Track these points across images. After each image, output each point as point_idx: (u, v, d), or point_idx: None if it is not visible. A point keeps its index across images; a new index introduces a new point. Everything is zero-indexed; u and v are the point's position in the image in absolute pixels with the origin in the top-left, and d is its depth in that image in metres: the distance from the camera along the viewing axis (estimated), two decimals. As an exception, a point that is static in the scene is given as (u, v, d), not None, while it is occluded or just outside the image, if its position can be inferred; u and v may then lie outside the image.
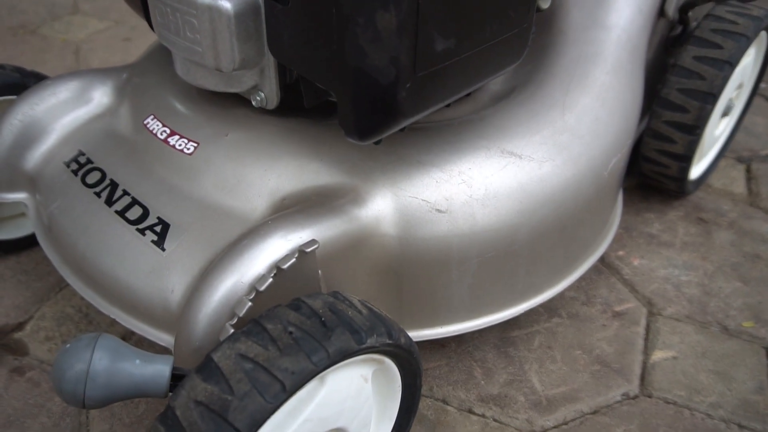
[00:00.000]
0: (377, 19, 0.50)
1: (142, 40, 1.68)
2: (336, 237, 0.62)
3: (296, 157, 0.69)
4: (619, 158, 0.81)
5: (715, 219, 1.14)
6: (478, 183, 0.68)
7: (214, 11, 0.62)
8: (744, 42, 0.97)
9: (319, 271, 0.61)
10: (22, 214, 0.97)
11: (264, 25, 0.63)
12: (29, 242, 0.97)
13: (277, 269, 0.56)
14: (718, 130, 1.16)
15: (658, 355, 0.87)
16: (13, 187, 0.82)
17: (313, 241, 0.59)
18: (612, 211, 0.93)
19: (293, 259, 0.57)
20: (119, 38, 1.70)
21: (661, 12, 0.97)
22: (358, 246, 0.65)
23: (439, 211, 0.67)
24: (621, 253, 1.04)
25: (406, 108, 0.56)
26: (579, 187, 0.75)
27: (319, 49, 0.57)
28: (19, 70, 0.90)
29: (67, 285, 0.84)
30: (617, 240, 1.05)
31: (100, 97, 0.85)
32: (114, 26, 1.76)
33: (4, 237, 0.95)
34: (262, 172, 0.68)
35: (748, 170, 1.29)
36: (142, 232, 0.68)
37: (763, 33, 1.07)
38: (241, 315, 0.55)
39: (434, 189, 0.67)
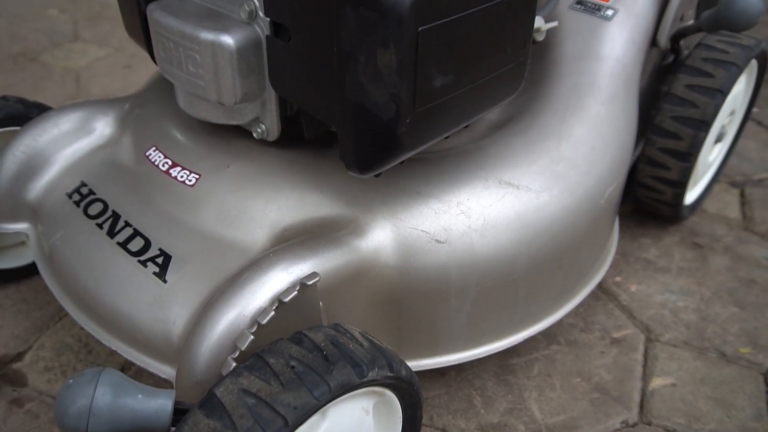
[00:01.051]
0: (377, 57, 0.51)
1: (142, 66, 1.70)
2: (337, 268, 0.63)
3: (297, 189, 0.69)
4: (615, 187, 0.82)
5: (711, 244, 1.15)
6: (477, 213, 0.69)
7: (217, 47, 0.63)
8: (735, 70, 0.99)
9: (321, 303, 0.61)
10: (23, 243, 0.97)
11: (265, 60, 0.65)
12: (29, 271, 0.98)
13: (279, 302, 0.57)
14: (711, 156, 1.17)
15: (656, 382, 0.87)
16: (15, 218, 0.82)
17: (314, 274, 0.59)
18: (609, 238, 0.93)
19: (295, 292, 0.57)
20: (119, 65, 1.71)
21: (653, 41, 0.99)
22: (358, 277, 0.65)
23: (438, 241, 0.68)
24: (618, 279, 1.05)
25: (406, 142, 0.57)
26: (576, 217, 0.76)
27: (321, 85, 0.58)
28: (22, 101, 0.91)
29: (67, 314, 0.84)
30: (614, 266, 1.06)
31: (103, 128, 0.86)
32: (114, 53, 1.77)
33: (4, 266, 0.96)
34: (264, 203, 0.69)
35: (742, 195, 1.30)
36: (143, 263, 0.68)
37: (753, 61, 1.09)
38: (243, 348, 0.55)
39: (433, 220, 0.68)
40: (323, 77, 0.57)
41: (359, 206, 0.68)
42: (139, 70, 1.67)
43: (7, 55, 1.74)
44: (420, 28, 0.51)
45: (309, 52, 0.58)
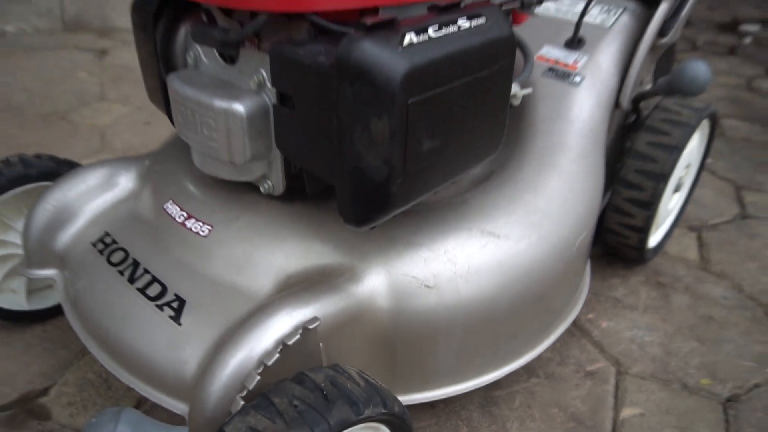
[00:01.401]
0: (372, 126, 0.53)
1: (160, 123, 1.72)
2: (336, 312, 0.63)
3: (300, 239, 0.70)
4: (585, 235, 0.83)
5: (672, 283, 1.15)
6: (462, 261, 0.70)
7: (229, 114, 0.64)
8: (689, 130, 1.02)
9: (321, 344, 0.61)
10: (50, 286, 0.97)
11: (272, 125, 0.66)
12: (55, 312, 0.97)
13: (283, 345, 0.57)
14: (671, 204, 1.19)
15: (626, 412, 0.87)
16: (44, 265, 0.82)
17: (315, 318, 0.59)
18: (581, 279, 0.94)
19: (298, 336, 0.57)
20: (140, 122, 1.73)
21: (616, 104, 1.01)
22: (355, 319, 0.66)
23: (427, 286, 0.68)
24: (591, 316, 1.05)
25: (398, 200, 0.58)
26: (551, 263, 0.76)
27: (321, 148, 0.59)
28: (54, 159, 0.92)
29: (89, 352, 0.83)
30: (587, 304, 1.06)
31: (125, 182, 0.86)
32: (136, 111, 1.79)
33: (33, 307, 0.95)
34: (270, 252, 0.69)
35: (699, 238, 1.31)
36: (160, 307, 0.68)
37: (705, 121, 1.12)
38: (250, 388, 0.55)
39: (423, 267, 0.68)
40: (323, 142, 0.58)
41: (356, 255, 0.68)
42: (157, 127, 1.69)
43: (40, 114, 1.75)
44: (410, 101, 0.53)
45: (311, 119, 0.59)
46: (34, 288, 0.96)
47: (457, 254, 0.70)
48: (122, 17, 2.58)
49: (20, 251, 0.91)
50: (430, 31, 0.54)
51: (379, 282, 0.67)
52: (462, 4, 0.61)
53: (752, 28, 3.14)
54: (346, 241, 0.69)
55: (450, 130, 0.59)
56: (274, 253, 0.69)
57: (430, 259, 0.69)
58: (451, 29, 0.56)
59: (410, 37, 0.52)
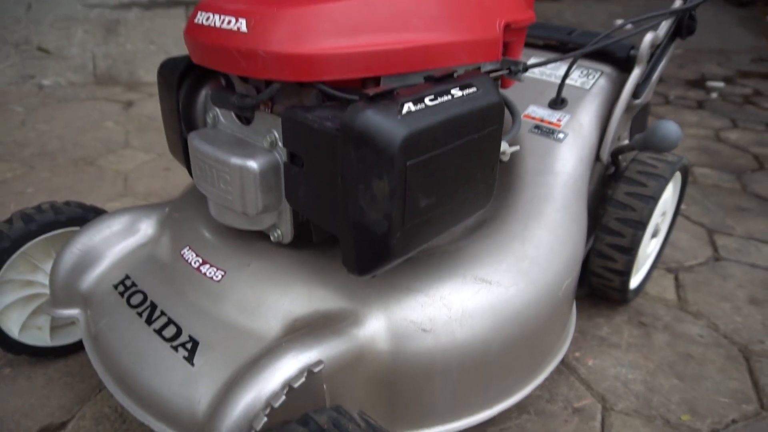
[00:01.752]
0: (374, 185, 0.53)
1: (179, 169, 1.73)
2: (339, 355, 0.62)
3: (307, 285, 0.70)
4: (571, 280, 0.83)
5: (653, 322, 1.14)
6: (457, 306, 0.69)
7: (244, 170, 0.65)
8: (663, 181, 1.02)
9: (324, 386, 0.60)
10: (72, 323, 0.96)
11: (283, 180, 0.66)
12: (77, 347, 0.96)
13: (290, 387, 0.56)
14: (649, 248, 1.19)
15: (613, 448, 0.85)
16: (69, 305, 0.82)
17: (319, 362, 0.58)
18: (568, 320, 0.93)
19: (303, 379, 0.56)
20: (161, 168, 1.75)
21: (597, 158, 1.02)
22: (357, 361, 0.65)
23: (424, 330, 0.67)
24: (577, 354, 1.04)
25: (397, 251, 0.58)
26: (539, 307, 0.76)
27: (327, 203, 0.60)
28: (81, 206, 0.93)
29: (106, 387, 0.82)
30: (574, 342, 1.05)
31: (146, 228, 0.87)
32: (157, 158, 1.81)
33: (56, 343, 0.94)
34: (278, 297, 0.69)
35: (677, 279, 1.30)
36: (175, 348, 0.67)
37: (677, 173, 1.13)
38: (258, 429, 0.54)
39: (420, 311, 0.68)
40: (329, 198, 0.59)
41: (358, 300, 0.68)
42: (176, 173, 1.71)
43: (71, 160, 1.77)
44: (408, 163, 0.53)
45: (318, 177, 0.59)
46: (57, 325, 0.95)
47: (452, 300, 0.70)
48: (148, 73, 2.63)
49: (46, 291, 0.91)
50: (426, 100, 0.55)
51: (379, 326, 0.67)
52: (455, 74, 0.62)
53: (718, 84, 3.20)
54: (349, 287, 0.69)
55: (445, 187, 0.60)
56: (282, 297, 0.69)
57: (427, 304, 0.69)
58: (446, 98, 0.57)
59: (408, 106, 0.53)
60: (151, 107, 2.27)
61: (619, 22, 0.97)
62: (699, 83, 3.23)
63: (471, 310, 0.70)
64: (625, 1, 4.74)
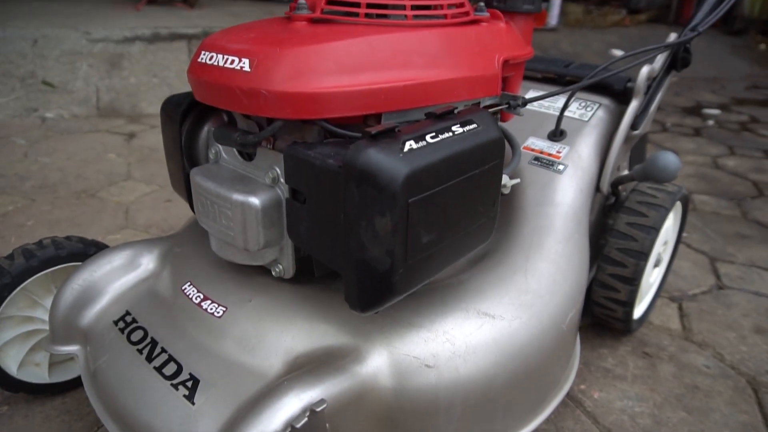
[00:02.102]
0: (376, 223, 0.53)
1: (180, 201, 1.74)
2: (341, 393, 0.61)
3: (308, 320, 0.69)
4: (574, 312, 0.82)
5: (658, 353, 1.13)
6: (460, 341, 0.69)
7: (246, 206, 0.65)
8: (663, 212, 1.02)
9: (327, 425, 0.59)
10: (71, 359, 0.95)
11: (284, 215, 0.67)
12: (75, 383, 0.95)
13: (292, 428, 0.55)
14: (652, 278, 1.18)
15: (622, 485, 0.83)
16: (68, 341, 0.81)
17: (322, 401, 0.58)
18: (572, 353, 0.92)
19: (305, 419, 0.55)
20: (162, 200, 1.75)
21: (597, 188, 1.03)
22: (359, 398, 0.64)
23: (427, 366, 0.67)
24: (583, 386, 1.02)
25: (399, 288, 0.58)
26: (543, 340, 0.75)
27: (329, 240, 0.60)
28: (83, 241, 0.92)
29: (104, 426, 0.81)
30: (579, 374, 1.04)
31: (147, 263, 0.86)
32: (158, 190, 1.82)
33: (54, 380, 0.93)
34: (279, 333, 0.68)
35: (680, 308, 1.30)
36: (175, 387, 0.66)
37: (678, 203, 1.13)
38: (259, 471, 0.53)
39: (423, 347, 0.67)
40: (331, 234, 0.59)
41: (360, 336, 0.67)
42: (177, 205, 1.71)
43: (72, 192, 1.78)
44: (410, 200, 0.53)
45: (320, 213, 0.60)
46: (55, 361, 0.94)
47: (455, 335, 0.69)
48: (150, 105, 2.66)
49: (46, 327, 0.90)
50: (428, 137, 0.56)
51: (382, 362, 0.66)
52: (456, 110, 0.63)
53: (714, 111, 3.23)
54: (351, 323, 0.69)
55: (446, 223, 0.60)
56: (283, 334, 0.68)
57: (430, 339, 0.68)
58: (447, 135, 0.57)
59: (410, 144, 0.54)
60: (153, 139, 2.29)
61: (617, 52, 0.99)
62: (695, 111, 3.27)
63: (474, 345, 0.69)
64: (621, 32, 4.83)
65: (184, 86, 2.77)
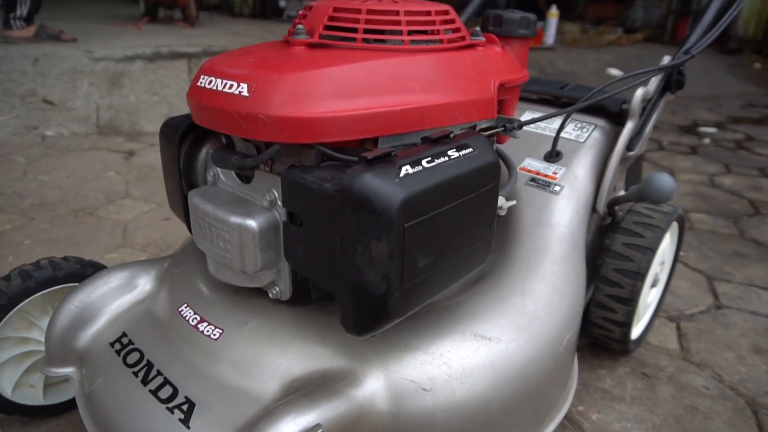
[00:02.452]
0: (372, 247, 0.53)
1: (178, 220, 1.73)
2: (338, 417, 0.61)
3: (305, 343, 0.69)
4: (571, 334, 0.82)
5: (656, 374, 1.13)
6: (456, 364, 0.69)
7: (243, 228, 0.65)
8: (660, 232, 1.03)
9: (323, 449, 0.59)
10: (66, 380, 0.94)
11: (282, 238, 0.67)
12: (70, 405, 0.94)
13: (287, 454, 0.55)
14: (649, 298, 1.18)
15: None
16: (64, 363, 0.81)
17: (318, 425, 0.57)
18: (570, 375, 0.92)
19: (301, 443, 0.55)
20: (160, 218, 1.75)
21: (593, 209, 1.03)
22: (356, 422, 0.63)
23: (424, 389, 0.66)
24: (581, 408, 1.02)
25: (396, 312, 0.58)
26: (540, 362, 0.75)
27: (326, 263, 0.60)
28: (80, 261, 0.93)
29: (100, 450, 0.80)
30: (577, 395, 1.03)
31: (144, 284, 0.86)
32: (157, 208, 1.82)
33: (49, 402, 0.92)
34: (276, 356, 0.68)
35: (678, 328, 1.29)
36: (171, 410, 0.66)
37: (674, 223, 1.14)
38: (254, 497, 0.52)
39: (419, 370, 0.67)
40: (328, 257, 0.59)
41: (357, 359, 0.67)
42: (175, 223, 1.71)
43: (70, 210, 1.78)
44: (406, 225, 0.54)
45: (317, 237, 0.60)
46: (50, 382, 0.93)
47: (452, 357, 0.69)
48: (150, 123, 2.68)
49: (41, 348, 0.90)
50: (424, 162, 0.56)
51: (378, 385, 0.66)
52: (452, 134, 0.64)
53: (710, 130, 3.26)
54: (347, 346, 0.68)
55: (442, 247, 0.60)
56: (280, 357, 0.68)
57: (427, 362, 0.68)
58: (442, 160, 0.58)
59: (406, 169, 0.54)
60: (152, 157, 2.30)
61: (614, 71, 1.00)
62: (691, 129, 3.30)
63: (471, 368, 0.69)
64: (616, 51, 4.89)
65: (183, 104, 2.79)
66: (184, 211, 0.80)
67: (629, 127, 1.02)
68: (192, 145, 0.79)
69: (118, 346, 0.78)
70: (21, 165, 2.17)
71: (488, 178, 0.63)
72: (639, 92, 1.02)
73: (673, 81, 1.07)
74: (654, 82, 1.07)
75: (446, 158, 0.58)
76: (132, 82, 2.75)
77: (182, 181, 0.79)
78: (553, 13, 4.62)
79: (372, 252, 0.54)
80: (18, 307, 0.85)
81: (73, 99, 2.63)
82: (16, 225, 1.67)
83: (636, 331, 1.15)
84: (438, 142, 0.61)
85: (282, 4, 5.07)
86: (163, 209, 1.81)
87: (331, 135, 0.60)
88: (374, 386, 0.65)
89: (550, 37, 4.63)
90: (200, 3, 4.09)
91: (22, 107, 2.56)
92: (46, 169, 2.12)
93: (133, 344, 0.77)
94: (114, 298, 0.84)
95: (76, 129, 2.59)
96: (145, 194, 1.92)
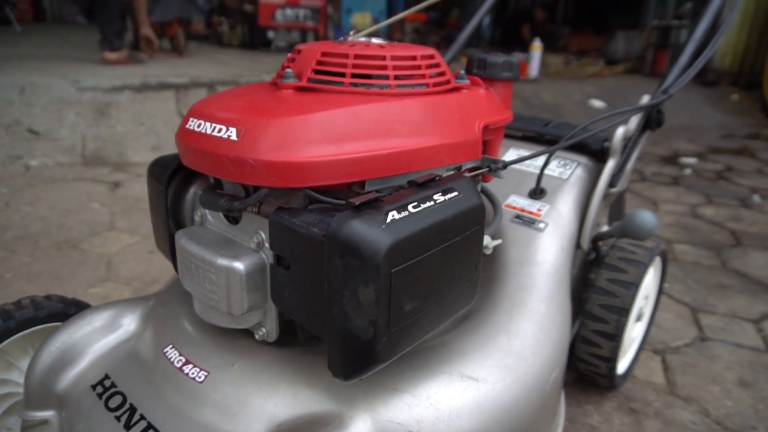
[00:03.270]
0: (359, 293, 0.54)
1: (165, 252, 1.73)
2: (324, 462, 0.60)
3: (292, 386, 0.69)
4: (557, 372, 0.83)
5: (643, 408, 1.13)
6: (444, 406, 0.68)
7: (230, 271, 0.65)
8: (643, 267, 1.05)
9: (309, 498, 0.58)
10: (45, 423, 0.92)
11: (269, 279, 0.67)
12: (48, 449, 0.92)
13: (273, 503, 0.54)
14: (634, 332, 1.19)
15: None
16: (43, 406, 0.79)
17: (304, 473, 0.57)
18: (557, 412, 0.92)
19: (287, 495, 0.54)
20: (146, 251, 1.74)
21: (577, 245, 1.05)
22: (343, 467, 0.63)
23: (411, 432, 0.66)
24: (568, 445, 1.02)
25: (383, 356, 0.58)
26: (527, 402, 0.75)
27: (313, 307, 0.60)
28: (63, 300, 0.91)
29: (78, 497, 0.78)
30: (564, 432, 1.03)
31: (129, 323, 0.85)
32: (142, 241, 1.81)
33: (26, 446, 0.90)
34: (262, 400, 0.68)
35: (664, 361, 1.30)
36: (154, 457, 0.65)
37: (657, 258, 1.16)
38: None
39: (407, 413, 0.67)
40: (315, 301, 0.59)
41: (344, 402, 0.67)
42: (161, 257, 1.69)
43: (53, 243, 1.76)
44: (393, 270, 0.54)
45: (304, 280, 0.60)
46: (28, 425, 0.91)
47: (439, 399, 0.69)
48: (137, 153, 2.68)
49: (19, 390, 0.88)
50: (410, 207, 0.57)
51: (365, 429, 0.65)
52: (437, 178, 0.65)
53: (690, 160, 3.33)
54: (334, 388, 0.68)
55: (429, 290, 0.61)
56: (266, 400, 0.68)
57: (414, 404, 0.68)
58: (428, 204, 0.59)
59: (392, 215, 0.55)
60: (138, 188, 2.29)
61: (597, 103, 1.03)
62: (672, 159, 3.37)
63: (458, 410, 0.69)
64: (599, 82, 5.01)
65: (170, 135, 2.80)
66: (170, 250, 0.80)
67: (611, 164, 1.04)
68: (180, 185, 0.79)
69: (100, 388, 0.77)
70: (4, 195, 2.15)
71: (473, 221, 0.64)
72: (620, 130, 1.05)
73: (652, 119, 1.10)
74: (634, 121, 1.10)
75: (432, 202, 0.60)
76: (119, 112, 2.76)
77: (169, 220, 0.79)
78: (537, 45, 4.74)
79: (359, 297, 0.54)
80: (-2, 348, 0.84)
81: (58, 129, 2.63)
82: (-3, 258, 1.65)
83: (622, 366, 1.16)
84: (424, 186, 0.62)
85: (270, 35, 5.15)
86: (148, 242, 1.79)
87: (319, 179, 0.61)
88: (361, 430, 0.65)
89: (533, 69, 4.74)
90: (189, 33, 4.13)
91: (6, 137, 2.54)
92: (30, 200, 2.11)
93: (115, 387, 0.76)
94: (97, 338, 0.83)
95: (61, 159, 2.57)
96: (131, 226, 1.91)
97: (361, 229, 0.53)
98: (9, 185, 2.26)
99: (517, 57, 0.88)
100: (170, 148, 2.69)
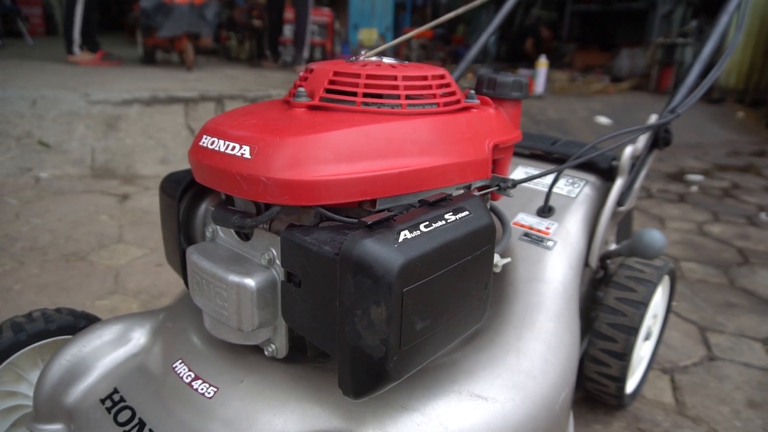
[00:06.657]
0: (371, 312, 0.54)
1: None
2: (333, 481, 0.60)
3: (301, 403, 0.69)
4: (567, 392, 0.82)
5: (652, 429, 1.12)
6: (453, 425, 0.68)
7: (241, 287, 0.66)
8: (652, 286, 1.04)
9: None
10: (53, 436, 0.92)
11: (279, 296, 0.67)
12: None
13: None
14: (643, 351, 1.19)
15: None
16: (52, 419, 0.79)
17: (314, 492, 0.57)
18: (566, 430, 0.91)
19: None
20: (153, 264, 1.75)
21: (586, 263, 1.05)
22: (351, 487, 0.63)
23: (420, 451, 0.66)
24: (576, 466, 1.01)
25: (393, 375, 0.58)
26: (536, 422, 0.75)
27: (324, 325, 0.60)
28: (73, 313, 0.92)
29: None
30: (572, 452, 1.02)
31: (138, 337, 0.86)
32: (150, 253, 1.82)
33: (32, 460, 0.90)
34: (271, 416, 0.68)
35: (673, 381, 1.29)
36: (162, 473, 0.65)
37: (666, 277, 1.15)
38: None
39: (416, 431, 0.67)
40: (326, 319, 0.59)
41: (353, 420, 0.67)
42: (168, 269, 1.70)
43: (62, 255, 1.77)
44: (405, 289, 0.55)
45: (316, 298, 0.61)
46: (37, 439, 0.91)
47: (449, 418, 0.68)
48: (145, 166, 2.70)
49: (28, 402, 0.88)
50: (422, 227, 0.58)
51: (374, 448, 0.65)
52: (448, 197, 0.66)
53: (697, 177, 3.33)
54: (344, 406, 0.68)
55: (439, 310, 0.61)
56: (275, 417, 0.68)
57: (423, 423, 0.67)
58: (440, 224, 0.59)
59: (404, 234, 0.56)
60: (147, 201, 2.30)
61: (603, 119, 1.03)
62: (679, 177, 3.36)
63: (468, 429, 0.69)
64: (605, 99, 5.03)
65: (179, 148, 2.82)
66: (181, 265, 0.81)
67: (619, 183, 1.05)
68: (191, 200, 0.80)
69: (109, 403, 0.77)
70: (14, 207, 2.16)
71: (484, 241, 0.65)
72: (628, 150, 1.05)
73: (660, 138, 1.11)
74: (642, 140, 1.10)
75: (443, 222, 0.60)
76: (128, 125, 2.79)
77: (181, 236, 0.79)
78: (543, 62, 4.76)
79: (371, 316, 0.54)
80: (8, 360, 0.84)
81: (68, 141, 2.66)
82: (6, 269, 1.66)
83: (631, 385, 1.15)
84: (435, 206, 0.63)
85: (279, 49, 5.20)
86: (156, 254, 1.80)
87: (331, 197, 0.61)
88: (370, 449, 0.65)
89: (539, 85, 4.76)
90: (197, 47, 4.18)
91: (17, 148, 2.57)
92: (39, 212, 2.12)
93: (124, 401, 0.76)
94: (107, 352, 0.83)
95: (71, 171, 2.60)
96: (139, 239, 1.92)
97: (374, 248, 0.53)
98: (19, 197, 2.28)
99: (523, 74, 0.89)
100: (178, 161, 2.71)
